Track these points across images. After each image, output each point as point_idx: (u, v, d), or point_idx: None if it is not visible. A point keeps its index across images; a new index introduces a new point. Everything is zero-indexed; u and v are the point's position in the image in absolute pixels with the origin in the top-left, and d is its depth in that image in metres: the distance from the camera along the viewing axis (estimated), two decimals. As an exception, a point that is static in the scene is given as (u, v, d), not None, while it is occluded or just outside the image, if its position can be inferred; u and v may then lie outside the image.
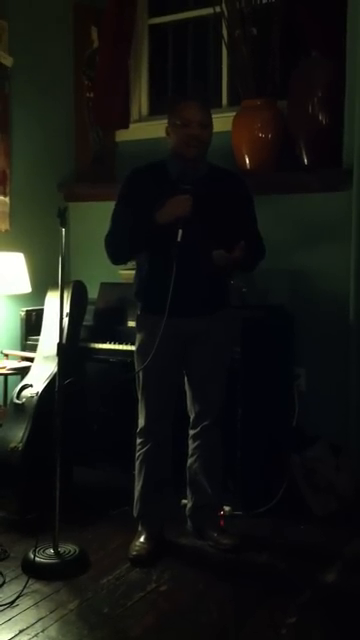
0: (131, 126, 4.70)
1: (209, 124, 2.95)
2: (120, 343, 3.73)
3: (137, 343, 3.05)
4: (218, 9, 4.11)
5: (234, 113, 4.08)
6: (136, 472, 3.10)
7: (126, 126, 4.69)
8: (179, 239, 2.80)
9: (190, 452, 3.15)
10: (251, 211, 3.09)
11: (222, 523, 3.17)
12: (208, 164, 3.01)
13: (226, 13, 4.07)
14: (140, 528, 3.10)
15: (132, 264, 3.62)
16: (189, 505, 3.20)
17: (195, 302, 2.95)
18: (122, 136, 4.73)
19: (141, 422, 3.07)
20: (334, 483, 3.50)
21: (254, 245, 2.99)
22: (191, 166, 2.93)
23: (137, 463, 3.10)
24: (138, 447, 3.09)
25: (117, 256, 3.08)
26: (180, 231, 2.80)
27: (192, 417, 3.12)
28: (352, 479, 3.55)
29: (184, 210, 2.82)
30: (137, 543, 3.03)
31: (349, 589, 2.78)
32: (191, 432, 3.14)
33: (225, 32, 4.15)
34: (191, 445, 3.14)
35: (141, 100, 4.77)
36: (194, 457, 3.13)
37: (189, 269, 2.87)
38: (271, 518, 3.36)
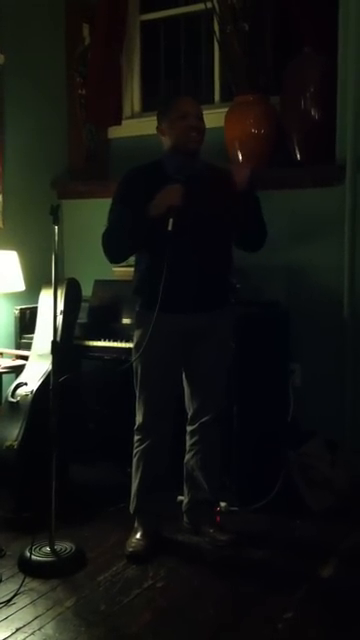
0: (123, 122, 4.69)
1: (203, 118, 2.99)
2: (115, 340, 3.72)
3: (135, 339, 3.04)
4: (209, 5, 4.09)
5: (226, 109, 4.07)
6: (133, 469, 3.10)
7: (119, 122, 4.67)
8: (170, 228, 2.79)
9: (188, 448, 3.15)
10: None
11: (218, 519, 3.17)
12: (204, 161, 3.01)
13: (217, 9, 4.06)
14: (136, 524, 3.10)
15: (126, 261, 3.63)
16: (185, 501, 3.20)
17: (195, 298, 2.94)
18: (115, 133, 4.71)
19: (139, 419, 3.06)
20: (330, 478, 3.50)
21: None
22: (190, 160, 2.93)
23: (134, 460, 3.09)
24: (136, 444, 3.09)
25: (115, 255, 3.08)
26: (171, 220, 2.79)
27: (190, 413, 3.12)
28: (348, 474, 3.56)
29: (175, 199, 2.82)
30: (133, 540, 3.04)
31: (346, 584, 2.79)
32: (189, 428, 3.14)
33: (217, 28, 4.14)
34: (188, 441, 3.14)
35: (133, 96, 4.75)
36: (191, 453, 3.13)
37: (187, 265, 2.87)
38: (267, 514, 3.36)
